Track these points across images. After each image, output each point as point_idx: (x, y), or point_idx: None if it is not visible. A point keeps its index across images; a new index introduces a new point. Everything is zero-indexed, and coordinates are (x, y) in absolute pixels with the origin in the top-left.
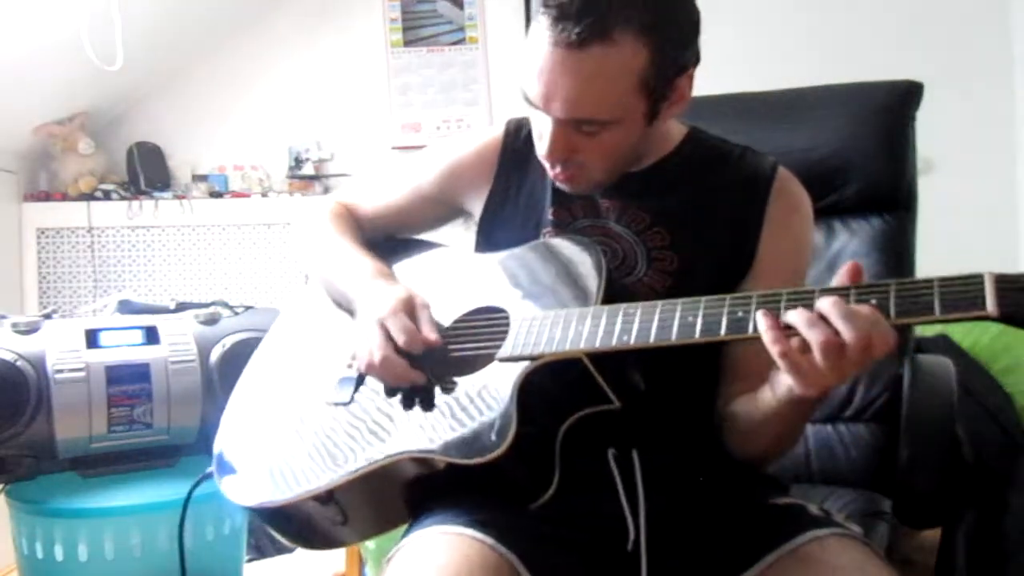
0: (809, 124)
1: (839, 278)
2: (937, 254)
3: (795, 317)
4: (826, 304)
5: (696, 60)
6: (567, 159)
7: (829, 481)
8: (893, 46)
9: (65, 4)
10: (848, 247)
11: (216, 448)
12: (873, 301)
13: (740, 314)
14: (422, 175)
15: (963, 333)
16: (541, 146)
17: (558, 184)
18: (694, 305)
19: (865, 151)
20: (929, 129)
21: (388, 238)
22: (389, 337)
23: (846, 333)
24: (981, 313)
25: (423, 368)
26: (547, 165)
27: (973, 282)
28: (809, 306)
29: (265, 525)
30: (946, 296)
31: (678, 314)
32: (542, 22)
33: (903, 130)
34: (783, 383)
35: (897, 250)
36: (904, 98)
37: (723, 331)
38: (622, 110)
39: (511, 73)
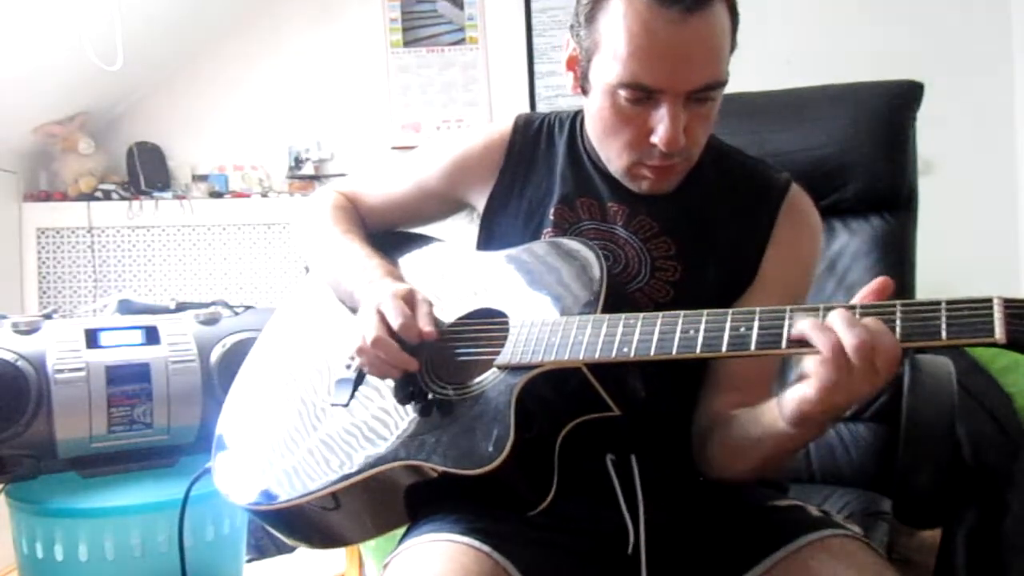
0: (809, 124)
1: (866, 289)
2: (937, 254)
3: (804, 326)
4: (832, 314)
5: None
6: (683, 145)
7: (829, 481)
8: (893, 46)
9: (65, 4)
10: (848, 247)
11: (214, 445)
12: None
13: (742, 330)
14: (426, 169)
15: None
16: (660, 136)
17: (642, 185)
18: (696, 318)
19: (865, 151)
20: (929, 129)
21: (390, 231)
22: (384, 320)
23: (847, 341)
24: (988, 340)
25: (416, 354)
26: (650, 162)
27: (982, 307)
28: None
29: (263, 524)
30: (953, 320)
31: (679, 327)
32: (637, 4)
33: (903, 130)
34: (792, 399)
35: (897, 250)
36: (904, 98)
37: (724, 347)
38: (727, 69)
39: (511, 73)
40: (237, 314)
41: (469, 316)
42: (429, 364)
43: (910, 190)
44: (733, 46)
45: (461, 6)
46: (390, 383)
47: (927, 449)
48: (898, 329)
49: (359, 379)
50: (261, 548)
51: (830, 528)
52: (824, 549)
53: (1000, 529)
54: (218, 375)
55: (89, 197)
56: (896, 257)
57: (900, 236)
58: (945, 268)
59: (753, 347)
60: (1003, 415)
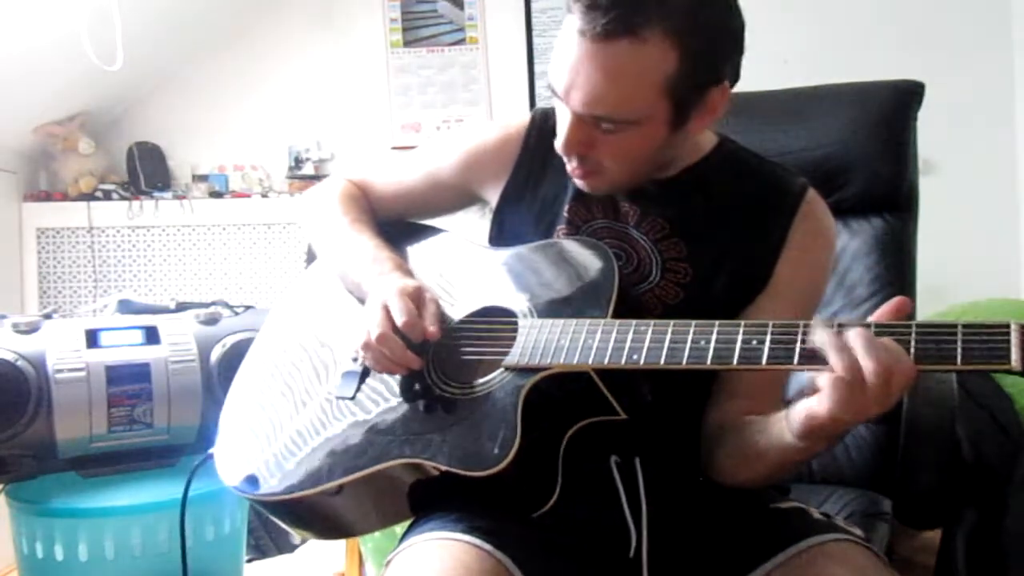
0: (810, 124)
1: (884, 307)
2: (937, 254)
3: (822, 341)
4: (851, 333)
5: (735, 76)
6: (583, 155)
7: (830, 481)
8: (893, 46)
9: (65, 4)
10: (849, 247)
11: (218, 433)
12: None
13: (754, 343)
14: (439, 160)
15: None
16: (558, 138)
17: (576, 181)
18: (707, 328)
19: (866, 151)
20: (929, 129)
21: (401, 222)
22: (390, 317)
23: (866, 365)
24: (1004, 366)
25: (420, 353)
26: (564, 159)
27: (999, 332)
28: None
29: (264, 513)
30: (969, 345)
31: (690, 337)
32: (574, 10)
33: (904, 130)
34: (799, 413)
35: (898, 250)
36: (905, 98)
37: (735, 360)
38: (643, 112)
39: (511, 73)
40: (237, 314)
41: (477, 314)
42: (436, 362)
43: (910, 190)
44: (687, 95)
45: (461, 6)
46: (396, 379)
47: (927, 449)
48: (912, 351)
49: (365, 373)
50: (261, 548)
51: (831, 532)
52: (825, 554)
53: (1000, 529)
54: (218, 375)
55: (89, 197)
56: (896, 257)
57: (900, 236)
58: (945, 268)
59: (764, 361)
60: (1003, 415)
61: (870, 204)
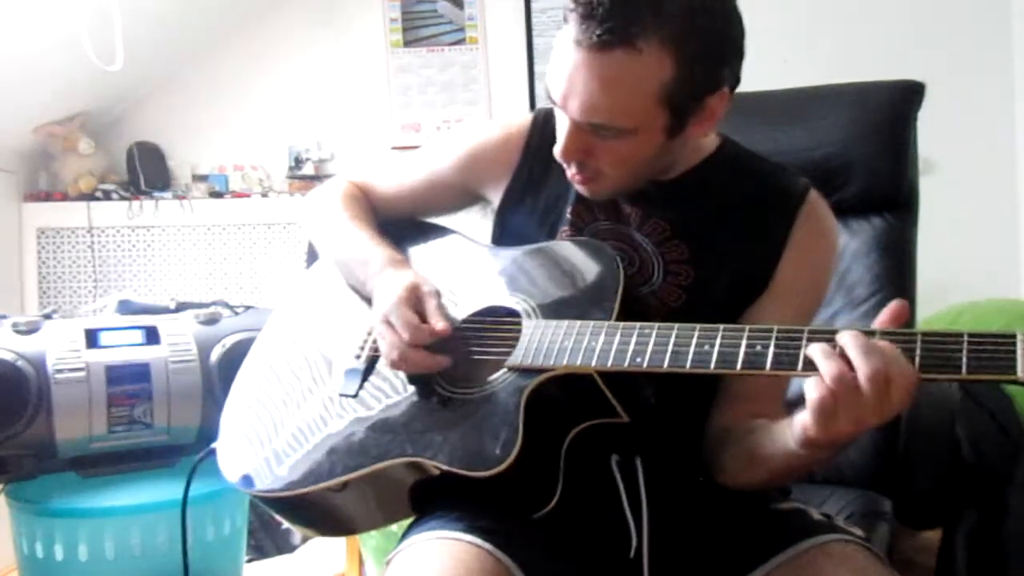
0: (810, 124)
1: (883, 314)
2: (937, 254)
3: (812, 351)
4: (845, 337)
5: (735, 81)
6: (581, 161)
7: (830, 481)
8: (893, 46)
9: (65, 4)
10: (849, 247)
11: (220, 431)
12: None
13: (758, 348)
14: (441, 159)
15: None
16: (557, 144)
17: (575, 186)
18: (711, 333)
19: (866, 151)
20: (929, 129)
21: (403, 221)
22: (398, 333)
23: (861, 368)
24: (1009, 377)
25: (445, 351)
26: (563, 164)
27: (1005, 342)
28: (831, 343)
29: (267, 509)
30: (974, 355)
31: (694, 341)
32: (570, 19)
33: (904, 130)
34: (798, 422)
35: (898, 250)
36: (905, 98)
37: (739, 365)
38: (639, 120)
39: (511, 73)
40: (237, 314)
41: (481, 313)
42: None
43: (910, 190)
44: (684, 102)
45: (461, 6)
46: (399, 378)
47: (927, 450)
48: (917, 360)
49: (368, 371)
50: (261, 548)
51: (832, 532)
52: (825, 554)
53: (1000, 529)
54: (218, 375)
55: (89, 197)
56: (896, 257)
57: (900, 236)
58: (945, 268)
59: (768, 367)
60: (1003, 415)
61: (870, 204)
